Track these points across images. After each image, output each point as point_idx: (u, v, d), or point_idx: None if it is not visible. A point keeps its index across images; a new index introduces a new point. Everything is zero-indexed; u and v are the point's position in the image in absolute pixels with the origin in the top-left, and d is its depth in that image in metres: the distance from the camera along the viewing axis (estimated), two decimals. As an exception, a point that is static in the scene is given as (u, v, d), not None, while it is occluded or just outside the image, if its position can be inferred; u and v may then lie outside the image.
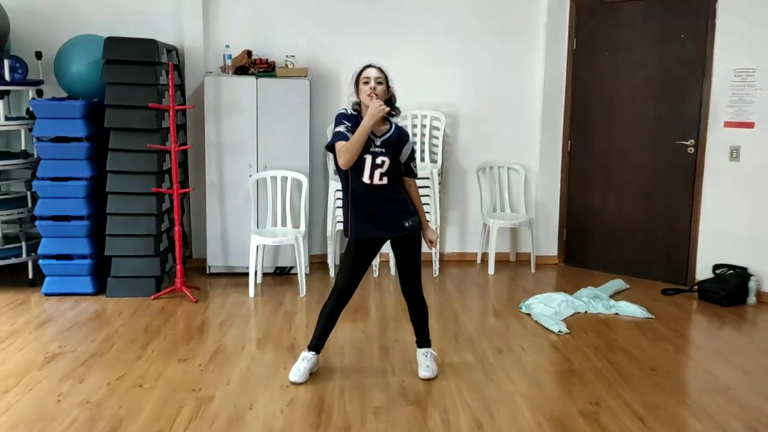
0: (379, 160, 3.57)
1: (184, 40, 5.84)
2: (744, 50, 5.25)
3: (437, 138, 6.09)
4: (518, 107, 6.29)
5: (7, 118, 5.32)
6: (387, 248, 3.91)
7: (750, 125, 5.27)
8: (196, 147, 5.78)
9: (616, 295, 5.38)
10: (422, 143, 6.10)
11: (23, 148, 5.45)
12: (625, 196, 5.93)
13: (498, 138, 6.31)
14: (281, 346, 4.28)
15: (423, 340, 3.94)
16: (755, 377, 3.96)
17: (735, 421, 3.41)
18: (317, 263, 6.10)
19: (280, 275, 5.87)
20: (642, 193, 5.84)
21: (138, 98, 5.09)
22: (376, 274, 5.83)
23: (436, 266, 5.96)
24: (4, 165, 5.33)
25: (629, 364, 4.09)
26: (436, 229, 5.88)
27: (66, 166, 5.13)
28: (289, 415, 3.39)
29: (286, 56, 5.77)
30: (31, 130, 5.26)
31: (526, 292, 5.44)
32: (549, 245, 6.40)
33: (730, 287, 5.21)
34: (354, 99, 3.69)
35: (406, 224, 3.68)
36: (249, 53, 5.68)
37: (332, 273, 5.85)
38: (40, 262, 5.19)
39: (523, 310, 5.00)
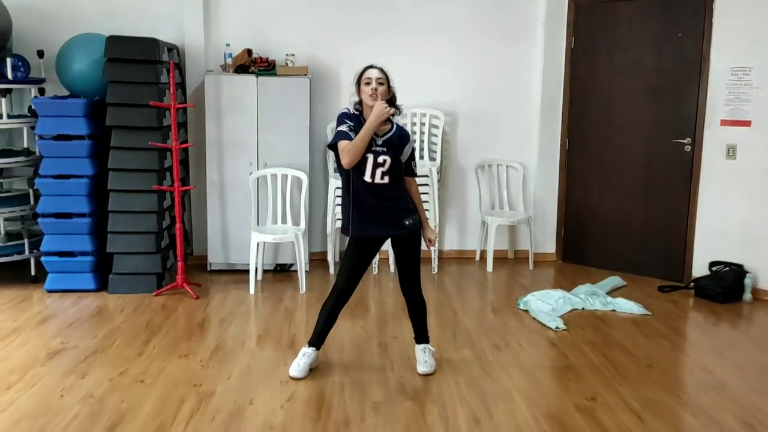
0: (380, 159, 3.61)
1: (184, 38, 5.88)
2: (741, 49, 5.28)
3: (436, 136, 6.13)
4: (517, 106, 6.33)
5: (9, 116, 5.36)
6: (387, 246, 3.95)
7: (746, 123, 5.30)
8: (196, 145, 5.82)
9: (613, 292, 5.42)
10: (421, 141, 6.14)
11: (26, 145, 5.49)
12: (623, 193, 5.98)
13: (497, 136, 6.35)
14: (281, 343, 4.32)
15: (421, 337, 3.98)
16: (751, 374, 4.00)
17: (730, 417, 3.45)
18: (317, 260, 6.14)
19: (281, 272, 5.91)
20: (639, 190, 5.88)
21: (139, 96, 5.13)
22: (375, 271, 5.87)
23: (435, 263, 6.01)
24: (6, 163, 5.38)
25: (626, 360, 4.13)
26: (435, 227, 5.92)
27: (68, 164, 5.16)
28: (289, 410, 3.44)
29: (286, 55, 5.81)
30: (33, 128, 5.30)
31: (525, 289, 5.48)
32: (547, 243, 6.44)
33: (726, 284, 5.25)
34: (355, 99, 3.73)
35: (407, 222, 3.72)
36: (249, 52, 5.72)
37: (332, 270, 5.89)
38: (43, 259, 5.23)
39: (521, 306, 5.04)
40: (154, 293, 5.20)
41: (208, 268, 5.86)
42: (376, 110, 3.52)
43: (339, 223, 5.58)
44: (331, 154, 5.79)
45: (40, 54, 5.56)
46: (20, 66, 5.46)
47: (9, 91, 5.38)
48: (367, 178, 3.62)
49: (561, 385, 3.80)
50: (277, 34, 5.99)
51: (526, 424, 3.34)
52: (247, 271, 5.46)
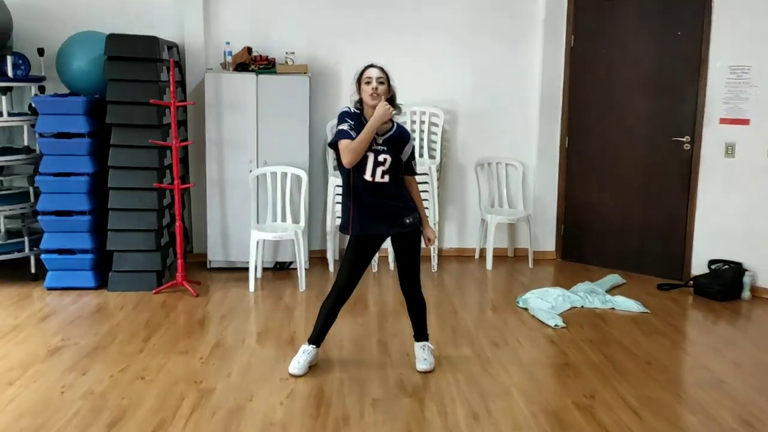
0: (381, 158, 3.62)
1: (184, 36, 5.89)
2: (740, 48, 5.30)
3: (436, 134, 6.15)
4: (516, 104, 6.34)
5: (10, 114, 5.37)
6: (386, 244, 3.96)
7: (745, 122, 5.32)
8: (196, 143, 5.83)
9: (612, 290, 5.44)
10: (421, 139, 6.15)
11: (26, 143, 5.50)
12: (622, 191, 5.99)
13: (496, 134, 6.36)
14: (281, 340, 4.34)
15: (421, 335, 3.99)
16: (749, 371, 4.01)
17: (728, 414, 3.47)
18: (317, 258, 6.15)
19: (280, 270, 5.93)
20: (638, 189, 5.90)
21: (139, 95, 5.14)
22: (375, 269, 5.88)
23: (434, 261, 6.02)
24: (6, 161, 5.39)
25: (624, 357, 4.15)
26: (435, 225, 5.94)
27: (68, 162, 5.18)
28: (289, 407, 3.45)
29: (286, 53, 5.82)
30: (33, 125, 5.32)
31: (524, 287, 5.49)
32: (546, 241, 6.46)
33: (725, 282, 5.27)
34: (356, 97, 3.74)
35: (407, 221, 3.73)
36: (249, 50, 5.73)
37: (332, 268, 5.90)
38: (43, 256, 5.24)
39: (520, 304, 5.06)
40: (154, 291, 5.22)
41: (208, 266, 5.88)
42: (379, 111, 3.54)
43: (339, 221, 5.59)
44: (330, 152, 5.80)
45: (41, 52, 5.56)
46: (20, 64, 5.46)
47: (9, 89, 5.38)
48: (368, 176, 3.63)
49: (560, 383, 3.82)
50: (277, 33, 6.00)
51: (524, 421, 3.35)
52: (246, 269, 5.47)
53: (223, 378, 3.77)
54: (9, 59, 5.29)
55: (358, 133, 3.56)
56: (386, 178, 3.65)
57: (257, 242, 5.45)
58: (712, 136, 5.48)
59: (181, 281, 5.25)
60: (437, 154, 6.13)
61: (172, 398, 3.51)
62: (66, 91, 5.56)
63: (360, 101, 3.69)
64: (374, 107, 3.60)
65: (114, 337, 4.32)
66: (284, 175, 5.59)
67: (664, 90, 5.68)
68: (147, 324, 4.57)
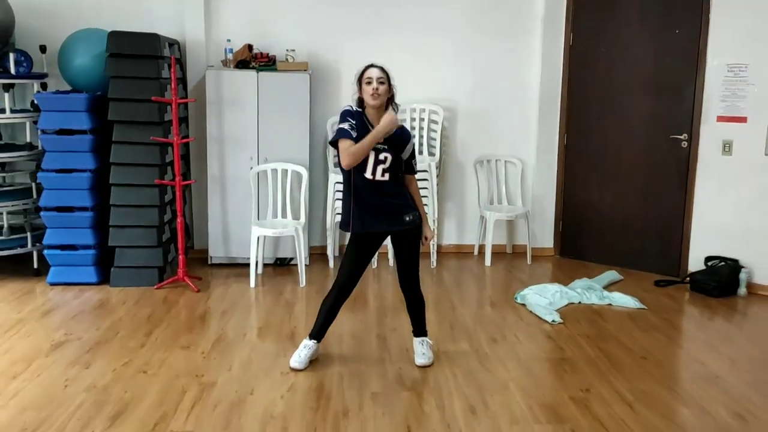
0: (381, 156, 3.66)
1: (185, 34, 5.92)
2: (737, 46, 5.33)
3: (435, 132, 6.19)
4: (516, 101, 6.38)
5: (12, 111, 5.41)
6: (386, 240, 4.01)
7: (742, 120, 5.36)
8: (197, 140, 5.87)
9: (609, 287, 5.48)
10: (420, 137, 6.19)
11: (28, 140, 5.54)
12: (620, 189, 6.03)
13: (495, 132, 6.40)
14: (281, 335, 4.38)
15: (420, 331, 4.03)
16: (743, 366, 4.06)
17: (721, 408, 3.52)
18: (317, 254, 6.20)
19: (281, 266, 5.97)
20: (636, 186, 5.94)
21: (141, 91, 5.18)
22: (375, 265, 5.92)
23: (433, 258, 6.06)
24: (9, 157, 5.43)
25: (620, 352, 4.20)
26: (434, 221, 5.98)
27: (70, 158, 5.22)
28: (290, 400, 3.50)
29: (287, 50, 5.86)
30: (35, 122, 5.35)
31: (522, 283, 5.54)
32: (545, 237, 6.50)
33: (721, 279, 5.31)
34: (356, 96, 3.77)
35: (407, 218, 3.77)
36: (250, 47, 5.76)
37: (332, 264, 5.95)
38: (45, 252, 5.29)
39: (518, 300, 5.10)
40: (155, 286, 5.26)
41: (209, 262, 5.92)
42: (386, 121, 3.58)
43: (339, 218, 5.63)
44: (331, 149, 5.85)
45: (43, 49, 5.61)
46: (23, 61, 5.50)
47: (12, 85, 5.43)
48: (368, 174, 3.68)
49: (556, 377, 3.86)
50: (277, 30, 6.04)
51: (521, 415, 3.40)
52: (247, 265, 5.51)
53: (225, 372, 3.81)
54: (11, 56, 5.33)
55: (358, 132, 3.60)
56: (387, 177, 3.69)
57: (258, 238, 5.49)
58: (710, 133, 5.52)
59: (182, 277, 5.29)
60: (437, 152, 6.17)
61: (174, 392, 3.56)
62: (68, 88, 5.60)
63: (361, 100, 3.73)
64: (375, 107, 3.65)
65: (116, 332, 4.37)
66: (285, 171, 5.64)
67: (662, 88, 5.73)
68: (149, 319, 4.62)
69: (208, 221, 5.84)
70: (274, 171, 5.63)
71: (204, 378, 3.73)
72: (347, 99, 3.89)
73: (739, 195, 5.44)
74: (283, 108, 5.70)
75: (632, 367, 3.98)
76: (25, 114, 5.48)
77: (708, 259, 5.55)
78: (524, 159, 6.43)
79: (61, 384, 3.62)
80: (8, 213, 5.54)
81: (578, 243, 6.36)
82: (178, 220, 5.31)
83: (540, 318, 4.75)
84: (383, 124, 3.58)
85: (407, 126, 6.09)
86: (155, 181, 5.25)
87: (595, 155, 6.16)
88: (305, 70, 5.78)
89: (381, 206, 3.73)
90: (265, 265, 5.88)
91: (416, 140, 6.14)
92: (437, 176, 6.09)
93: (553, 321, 4.67)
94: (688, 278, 5.55)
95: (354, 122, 3.63)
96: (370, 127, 3.68)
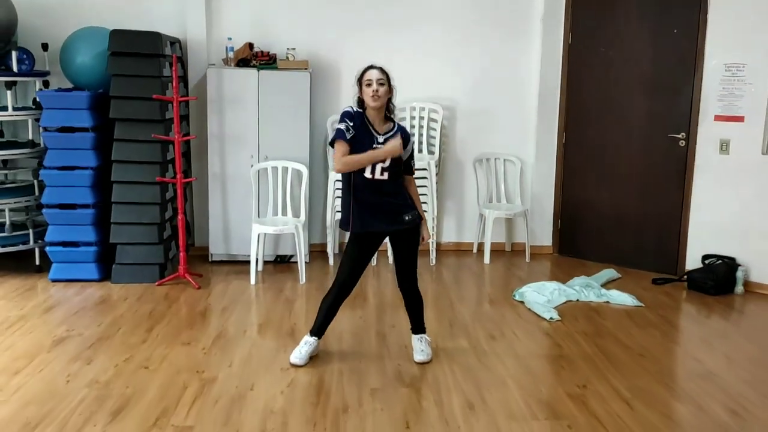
0: None
1: (187, 32, 5.95)
2: (734, 45, 5.37)
3: (435, 130, 6.22)
4: (515, 100, 6.41)
5: (14, 109, 5.43)
6: (386, 238, 4.04)
7: (740, 119, 5.39)
8: (198, 137, 5.90)
9: (607, 284, 5.52)
10: (420, 135, 6.23)
11: (30, 137, 5.58)
12: (618, 187, 6.07)
13: (494, 130, 6.44)
14: (281, 331, 4.42)
15: (418, 328, 4.06)
16: (739, 363, 4.10)
17: (716, 404, 3.56)
18: (317, 252, 6.23)
19: (281, 263, 6.00)
20: (634, 185, 5.98)
21: (142, 89, 5.20)
22: (374, 263, 5.95)
23: (433, 255, 6.10)
24: (11, 154, 5.46)
25: (618, 349, 4.24)
26: (434, 219, 6.02)
27: (72, 156, 5.25)
28: (289, 396, 3.54)
29: (287, 49, 5.89)
30: (38, 120, 5.39)
31: (521, 281, 5.57)
32: (544, 235, 6.53)
33: (718, 277, 5.35)
34: (357, 96, 3.80)
35: (406, 218, 3.80)
36: (251, 46, 5.79)
37: (332, 262, 5.98)
38: (47, 249, 5.32)
39: (517, 298, 5.14)
40: (156, 283, 5.30)
41: (210, 259, 5.96)
42: (390, 147, 3.62)
43: (339, 216, 5.67)
44: (330, 148, 5.87)
45: (45, 47, 5.64)
46: (25, 59, 5.54)
47: (14, 83, 5.45)
48: (368, 174, 3.71)
49: (554, 374, 3.90)
50: (278, 29, 6.07)
51: (518, 411, 3.44)
52: (247, 262, 5.55)
53: (225, 368, 3.85)
54: (14, 54, 5.36)
55: (357, 132, 3.66)
56: (386, 176, 3.72)
57: (258, 236, 5.53)
58: (707, 133, 5.56)
59: (183, 274, 5.33)
60: (436, 150, 6.21)
61: (175, 387, 3.59)
62: (70, 85, 5.63)
63: (361, 100, 3.76)
64: (376, 109, 3.69)
65: (118, 328, 4.40)
66: (285, 169, 5.67)
67: (660, 87, 5.76)
68: (150, 315, 4.65)
69: (209, 219, 5.88)
70: (275, 169, 5.66)
71: (205, 374, 3.77)
72: (347, 97, 3.92)
73: (736, 194, 5.47)
74: (284, 106, 5.73)
75: (629, 364, 4.02)
76: (28, 111, 5.51)
77: (705, 257, 5.59)
78: (523, 157, 6.46)
79: (63, 379, 3.66)
80: (10, 210, 5.56)
81: (577, 241, 6.39)
82: (179, 217, 5.34)
83: (538, 315, 4.79)
84: (387, 149, 3.64)
85: (407, 125, 6.15)
86: (156, 179, 5.29)
87: (593, 154, 6.20)
88: (306, 69, 5.81)
89: (380, 205, 3.76)
90: (265, 263, 5.91)
91: (416, 138, 6.17)
92: (437, 174, 6.12)
93: (551, 318, 4.70)
94: (685, 276, 5.59)
95: (351, 123, 3.67)
96: (370, 128, 3.72)
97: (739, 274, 5.39)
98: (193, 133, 5.91)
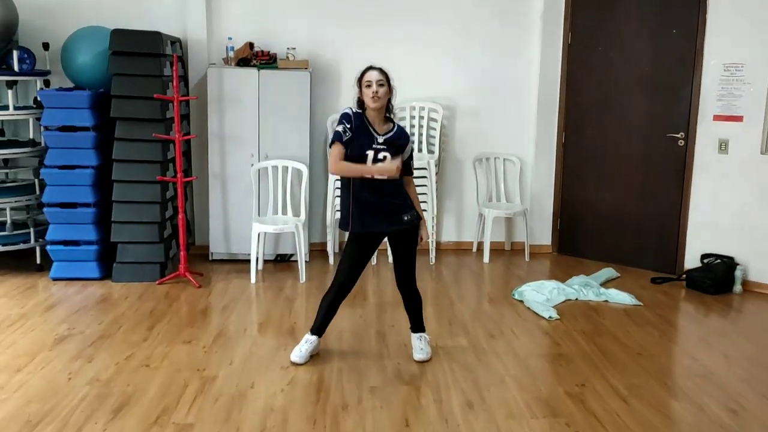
0: (380, 156, 3.72)
1: (187, 32, 5.97)
2: (733, 45, 5.38)
3: (435, 129, 6.23)
4: (514, 100, 6.43)
5: (15, 108, 5.45)
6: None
7: (738, 119, 5.41)
8: (199, 137, 5.91)
9: (606, 283, 5.54)
10: (420, 134, 6.24)
11: (31, 136, 5.60)
12: (618, 187, 6.09)
13: (494, 129, 6.45)
14: (282, 330, 4.44)
15: (417, 327, 4.08)
16: (736, 362, 4.12)
17: (714, 402, 3.58)
18: (317, 251, 6.25)
19: (281, 262, 6.02)
20: (634, 184, 5.99)
21: (143, 89, 5.23)
22: (374, 262, 5.96)
23: (432, 254, 6.12)
24: (12, 153, 5.48)
25: (616, 348, 4.26)
26: (433, 218, 6.04)
27: (73, 155, 5.27)
28: (290, 393, 3.56)
29: (288, 48, 5.91)
30: (38, 119, 5.41)
31: (520, 280, 5.59)
32: (543, 235, 6.55)
33: (717, 276, 5.37)
34: (357, 97, 3.83)
35: (405, 218, 3.82)
36: (251, 45, 5.81)
37: (332, 261, 6.00)
38: (48, 247, 5.34)
39: (516, 297, 5.16)
40: (157, 282, 5.32)
41: (210, 258, 5.98)
42: (387, 167, 3.64)
43: (339, 215, 5.69)
44: (330, 146, 5.89)
45: (46, 46, 5.66)
46: (26, 58, 5.56)
47: (15, 82, 5.47)
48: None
49: (553, 372, 3.92)
50: (278, 28, 6.09)
51: (517, 409, 3.46)
52: (248, 261, 5.57)
53: (226, 366, 3.87)
54: (15, 53, 5.38)
55: (355, 134, 3.69)
56: (385, 176, 3.74)
57: (258, 235, 5.55)
58: (706, 132, 5.57)
59: (183, 272, 5.35)
60: (436, 149, 6.22)
61: (175, 385, 3.62)
62: (71, 85, 5.65)
63: (362, 101, 3.78)
64: (376, 110, 3.71)
65: (119, 326, 4.42)
66: (285, 168, 5.69)
67: (659, 87, 5.78)
68: (151, 314, 4.67)
69: (209, 218, 5.90)
70: (275, 168, 5.68)
71: (205, 372, 3.79)
72: (348, 96, 3.95)
73: (735, 193, 5.49)
74: (284, 105, 5.75)
75: (627, 363, 4.04)
76: (29, 111, 5.52)
77: (704, 256, 5.60)
78: (523, 157, 6.48)
79: (64, 377, 3.68)
80: (11, 209, 5.58)
81: (576, 240, 6.42)
82: (180, 216, 5.36)
83: (537, 314, 4.81)
84: (382, 168, 3.65)
85: (407, 124, 6.17)
86: (157, 178, 5.30)
87: (593, 153, 6.22)
88: (306, 68, 5.83)
89: (380, 206, 3.77)
90: (265, 262, 5.93)
91: (415, 138, 6.20)
92: (436, 174, 6.13)
93: (550, 317, 4.72)
94: (684, 275, 5.61)
95: (349, 125, 3.70)
96: (370, 128, 3.74)
97: (738, 273, 5.41)
98: (194, 133, 5.92)
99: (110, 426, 3.20)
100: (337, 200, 5.75)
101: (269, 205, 5.71)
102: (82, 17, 5.78)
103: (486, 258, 6.21)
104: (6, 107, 5.44)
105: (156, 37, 5.28)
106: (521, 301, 5.07)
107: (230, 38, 5.86)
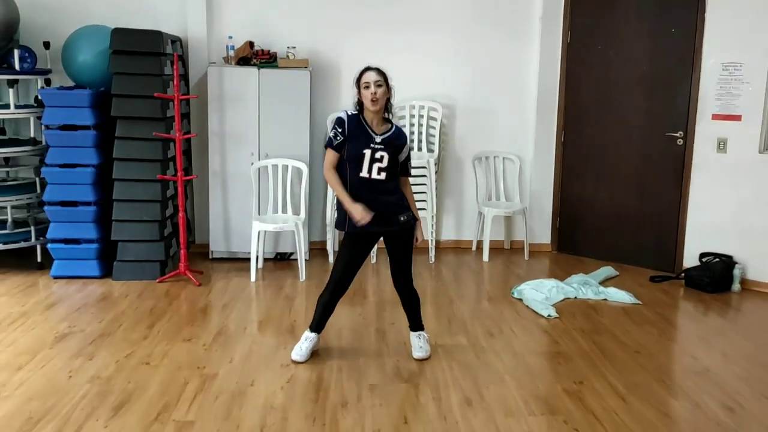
0: (378, 155, 3.73)
1: (187, 31, 5.99)
2: (732, 45, 5.39)
3: (434, 128, 6.25)
4: (514, 98, 6.44)
5: (16, 107, 5.47)
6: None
7: (737, 118, 5.42)
8: (199, 135, 5.93)
9: (605, 282, 5.56)
10: (420, 133, 6.26)
11: (32, 135, 5.62)
12: (617, 185, 6.10)
13: (493, 128, 6.47)
14: (281, 328, 4.46)
15: (416, 325, 4.10)
16: (734, 360, 4.13)
17: (712, 400, 3.59)
18: (317, 249, 6.27)
19: (281, 261, 6.04)
20: (633, 183, 6.01)
21: (144, 88, 5.24)
22: (374, 260, 5.98)
23: (432, 253, 6.13)
24: (13, 152, 5.50)
25: (615, 346, 4.27)
26: (433, 217, 6.06)
27: (74, 153, 5.29)
28: (289, 391, 3.58)
29: (288, 47, 5.92)
30: (39, 118, 5.42)
31: (520, 278, 5.60)
32: (542, 233, 6.57)
33: (715, 275, 5.38)
34: (356, 98, 3.84)
35: (401, 218, 3.83)
36: (251, 44, 5.82)
37: (331, 259, 6.01)
38: (49, 246, 5.36)
39: (515, 295, 5.18)
40: (157, 280, 5.33)
41: (210, 256, 6.00)
42: (359, 213, 3.67)
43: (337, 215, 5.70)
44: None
45: (47, 45, 5.67)
46: (27, 57, 5.57)
47: (16, 81, 5.48)
48: (364, 173, 3.75)
49: (551, 370, 3.94)
50: (278, 27, 6.10)
51: (516, 406, 3.48)
52: (248, 260, 5.59)
53: (226, 364, 3.89)
54: (16, 52, 5.40)
55: (349, 136, 3.72)
56: (383, 176, 3.75)
57: (258, 233, 5.56)
58: (705, 131, 5.59)
59: (184, 271, 5.36)
60: (436, 148, 6.24)
61: (176, 383, 3.63)
62: (72, 84, 5.66)
63: (361, 102, 3.80)
64: (374, 112, 3.74)
65: (119, 325, 4.44)
66: (285, 167, 5.70)
67: (658, 86, 5.79)
68: (151, 312, 4.69)
69: (210, 216, 5.91)
70: (275, 167, 5.70)
71: (205, 369, 3.81)
72: (347, 95, 3.96)
73: (733, 192, 5.51)
74: (284, 104, 5.76)
75: (626, 361, 4.06)
76: (29, 109, 5.54)
77: (702, 255, 5.62)
78: (522, 156, 6.50)
79: (65, 375, 3.70)
80: (12, 207, 5.59)
81: (575, 239, 6.43)
82: (180, 214, 5.38)
83: (536, 312, 4.82)
84: (354, 210, 3.68)
85: (407, 123, 6.18)
86: (157, 177, 5.32)
87: (592, 152, 6.23)
88: (306, 67, 5.84)
89: (376, 205, 3.77)
90: (265, 260, 5.95)
91: (415, 137, 6.22)
92: (436, 173, 6.15)
93: (548, 315, 4.74)
94: (682, 274, 5.63)
95: (341, 129, 3.74)
96: (368, 129, 3.76)
97: (736, 272, 5.42)
98: (194, 131, 5.94)
99: (111, 423, 3.22)
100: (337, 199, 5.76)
101: (269, 203, 5.73)
102: (82, 16, 5.80)
103: (485, 256, 6.22)
104: (7, 106, 5.46)
105: (156, 36, 5.29)
106: (520, 300, 5.09)
107: (230, 37, 5.87)
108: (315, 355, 4.01)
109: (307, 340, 3.97)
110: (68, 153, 5.28)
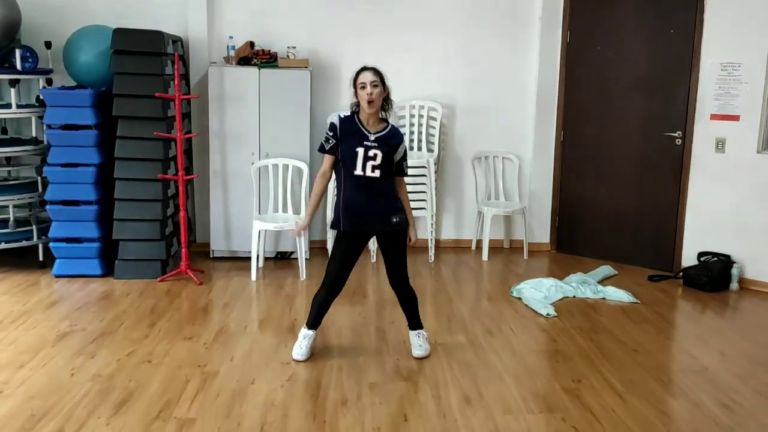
0: (371, 153, 3.75)
1: (188, 31, 6.01)
2: (730, 45, 5.41)
3: (434, 128, 6.27)
4: (513, 98, 6.46)
5: (18, 106, 5.49)
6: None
7: (735, 118, 5.44)
8: (200, 135, 5.95)
9: (604, 281, 5.58)
10: (419, 133, 6.28)
11: (34, 135, 5.63)
12: (616, 185, 6.12)
13: (493, 128, 6.49)
14: (282, 327, 4.48)
15: (415, 324, 4.12)
16: (732, 359, 4.16)
17: (708, 397, 3.62)
18: (317, 248, 6.29)
19: (281, 260, 6.06)
20: (631, 182, 6.03)
21: (145, 88, 5.27)
22: (374, 259, 6.00)
23: (431, 252, 6.15)
24: (15, 151, 5.52)
25: (612, 345, 4.30)
26: (433, 216, 6.09)
27: (75, 153, 5.31)
28: (290, 389, 3.60)
29: (288, 47, 5.94)
30: (41, 117, 5.45)
31: (519, 277, 5.63)
32: (541, 233, 6.59)
33: (713, 274, 5.41)
34: (354, 99, 3.86)
35: (394, 220, 3.85)
36: (252, 44, 5.84)
37: (331, 258, 6.04)
38: (50, 244, 5.38)
39: (514, 294, 5.20)
40: (158, 279, 5.36)
41: (211, 255, 6.02)
42: (296, 227, 4.21)
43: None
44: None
45: (48, 45, 5.70)
46: (29, 57, 5.60)
47: (18, 81, 5.50)
48: (358, 171, 3.77)
49: (550, 369, 3.97)
50: (278, 27, 6.12)
51: (514, 404, 3.50)
52: (248, 259, 5.61)
53: (226, 362, 3.92)
54: (17, 52, 5.43)
55: (343, 137, 3.77)
56: (377, 173, 3.77)
57: (259, 232, 5.59)
58: (703, 131, 5.61)
59: (185, 270, 5.39)
60: (435, 148, 6.26)
61: (177, 381, 3.66)
62: (73, 83, 5.68)
63: (357, 103, 3.82)
64: (371, 114, 3.77)
65: (120, 323, 4.47)
66: (285, 167, 5.73)
67: (657, 86, 5.81)
68: (152, 311, 4.72)
69: (210, 215, 5.94)
70: (275, 166, 5.72)
71: (206, 368, 3.83)
72: (347, 95, 3.98)
73: (731, 192, 5.53)
74: (284, 104, 5.79)
75: (624, 359, 4.08)
76: (31, 109, 5.56)
77: (701, 254, 5.65)
78: (521, 155, 6.52)
79: (67, 373, 3.72)
80: (14, 206, 5.62)
81: (574, 238, 6.46)
82: (181, 214, 5.40)
83: (535, 311, 4.85)
84: (300, 222, 4.12)
85: (407, 123, 6.21)
86: (158, 176, 5.35)
87: (591, 152, 6.26)
88: (306, 67, 5.86)
89: (369, 205, 3.80)
90: (266, 259, 5.97)
91: (415, 136, 6.24)
92: (436, 172, 6.17)
93: (547, 314, 4.77)
94: (681, 273, 5.65)
95: (332, 134, 3.81)
96: (362, 128, 3.79)
97: (734, 271, 5.45)
98: (195, 131, 5.96)
99: (113, 421, 3.24)
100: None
101: (270, 202, 5.75)
102: (84, 16, 5.82)
103: (485, 256, 6.25)
104: (9, 105, 5.49)
105: (157, 36, 5.32)
106: (519, 299, 5.11)
107: (231, 37, 5.90)
108: (315, 353, 4.03)
109: (305, 338, 4.00)
110: (70, 152, 5.31)
